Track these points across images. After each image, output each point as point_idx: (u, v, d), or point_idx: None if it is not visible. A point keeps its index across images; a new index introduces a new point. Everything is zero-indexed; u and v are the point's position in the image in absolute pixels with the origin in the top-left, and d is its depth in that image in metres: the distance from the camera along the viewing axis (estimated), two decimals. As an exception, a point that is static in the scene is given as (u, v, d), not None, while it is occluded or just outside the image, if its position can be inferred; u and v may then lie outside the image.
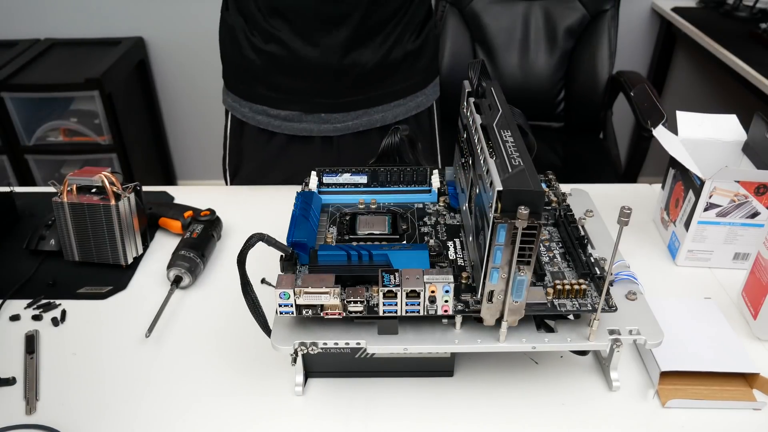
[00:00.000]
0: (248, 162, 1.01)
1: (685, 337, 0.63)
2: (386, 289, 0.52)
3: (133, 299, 0.73)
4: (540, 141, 1.04)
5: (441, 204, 0.70)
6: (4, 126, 1.86)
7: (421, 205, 0.69)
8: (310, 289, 0.53)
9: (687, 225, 0.75)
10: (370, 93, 0.93)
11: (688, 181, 0.75)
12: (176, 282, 0.73)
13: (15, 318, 0.70)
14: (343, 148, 0.96)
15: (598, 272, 0.57)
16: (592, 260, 0.58)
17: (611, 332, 0.55)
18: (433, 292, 0.52)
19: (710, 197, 0.71)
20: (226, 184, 1.08)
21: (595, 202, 0.74)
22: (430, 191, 0.70)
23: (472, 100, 0.64)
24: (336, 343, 0.55)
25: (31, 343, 0.66)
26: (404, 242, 0.60)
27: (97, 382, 0.62)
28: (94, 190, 0.74)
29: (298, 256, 0.58)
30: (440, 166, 0.70)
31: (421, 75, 0.97)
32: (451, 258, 0.61)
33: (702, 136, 0.79)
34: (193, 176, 2.41)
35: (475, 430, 0.57)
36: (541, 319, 0.56)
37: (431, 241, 0.63)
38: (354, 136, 0.95)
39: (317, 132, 0.93)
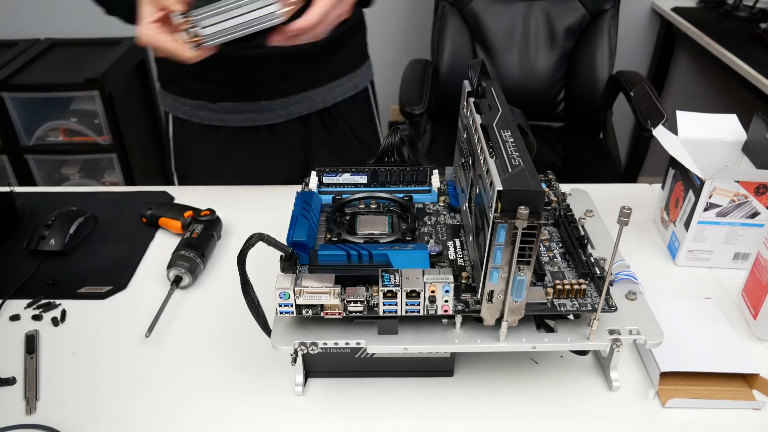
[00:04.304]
0: (197, 162, 1.01)
1: (685, 337, 0.63)
2: (386, 289, 0.52)
3: (133, 299, 0.73)
4: (540, 141, 1.04)
5: (441, 204, 0.70)
6: (4, 126, 1.86)
7: (421, 205, 0.69)
8: (310, 289, 0.53)
9: (687, 225, 0.75)
10: (307, 75, 0.93)
11: (688, 181, 0.75)
12: (176, 282, 0.73)
13: (15, 318, 0.70)
14: (288, 135, 0.97)
15: (598, 272, 0.57)
16: (592, 260, 0.58)
17: (611, 332, 0.55)
18: (433, 292, 0.52)
19: (710, 197, 0.71)
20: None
21: (595, 202, 0.74)
22: (430, 191, 0.70)
23: (472, 100, 0.64)
24: (336, 343, 0.55)
25: (31, 343, 0.66)
26: (408, 239, 0.60)
27: (97, 382, 0.62)
28: None
29: (298, 256, 0.58)
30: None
31: (354, 55, 0.99)
32: (451, 258, 0.61)
33: (702, 136, 0.79)
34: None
35: (475, 430, 0.57)
36: (541, 319, 0.56)
37: (431, 241, 0.63)
38: (298, 121, 0.96)
39: (261, 120, 0.93)
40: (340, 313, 0.54)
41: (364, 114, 1.05)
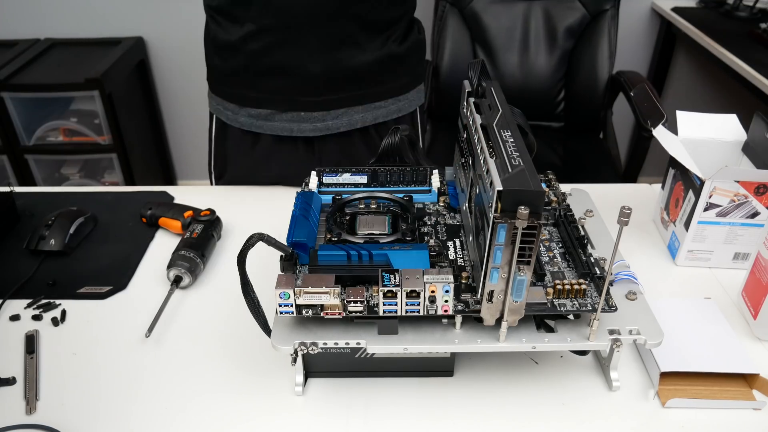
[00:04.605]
0: (233, 166, 1.01)
1: (685, 337, 0.63)
2: (386, 289, 0.52)
3: (133, 299, 0.73)
4: (540, 141, 1.04)
5: (441, 204, 0.70)
6: (4, 126, 1.86)
7: (421, 205, 0.69)
8: (310, 289, 0.53)
9: (687, 225, 0.75)
10: (350, 93, 0.93)
11: (688, 181, 0.75)
12: (176, 282, 0.73)
13: (15, 318, 0.70)
14: (324, 150, 0.96)
15: (598, 272, 0.57)
16: (592, 260, 0.58)
17: (611, 332, 0.55)
18: (433, 292, 0.52)
19: (710, 197, 0.71)
20: (211, 175, 1.09)
21: (595, 202, 0.74)
22: (430, 191, 0.70)
23: (472, 100, 0.64)
24: (336, 343, 0.55)
25: (31, 343, 0.66)
26: (408, 238, 0.61)
27: (97, 382, 0.62)
28: None
29: (298, 256, 0.58)
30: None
31: (405, 79, 0.97)
32: (451, 258, 0.61)
33: (702, 136, 0.79)
34: (193, 176, 2.41)
35: (475, 430, 0.57)
36: (541, 319, 0.56)
37: (431, 241, 0.63)
38: (335, 138, 0.95)
39: (297, 131, 0.93)
40: (340, 313, 0.54)
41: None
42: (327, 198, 0.69)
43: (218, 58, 0.93)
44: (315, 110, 0.91)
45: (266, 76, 0.90)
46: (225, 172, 1.03)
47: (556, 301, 0.55)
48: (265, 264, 0.65)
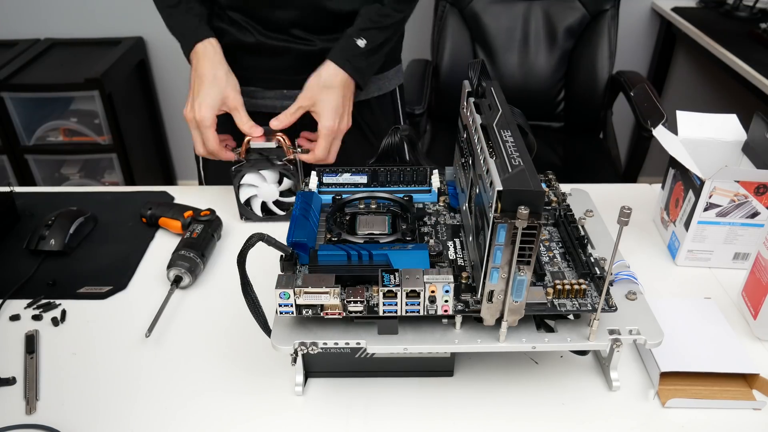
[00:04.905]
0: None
1: (685, 337, 0.63)
2: (386, 288, 0.52)
3: (133, 299, 0.73)
4: (540, 141, 1.04)
5: (441, 204, 0.70)
6: (4, 126, 1.86)
7: (421, 205, 0.69)
8: (310, 289, 0.53)
9: (687, 225, 0.75)
10: None
11: (688, 181, 0.75)
12: (176, 282, 0.73)
13: (15, 318, 0.70)
14: (307, 127, 0.96)
15: (598, 272, 0.57)
16: (592, 260, 0.58)
17: (611, 332, 0.55)
18: (433, 292, 0.52)
19: (710, 197, 0.71)
20: (200, 175, 1.08)
21: (595, 202, 0.74)
22: (430, 191, 0.70)
23: (472, 100, 0.64)
24: (336, 343, 0.55)
25: (31, 343, 0.66)
26: (408, 238, 0.61)
27: (97, 381, 0.62)
28: None
29: (298, 256, 0.58)
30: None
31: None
32: (451, 258, 0.61)
33: (702, 136, 0.79)
34: (193, 176, 2.39)
35: (475, 430, 0.57)
36: (541, 319, 0.56)
37: (431, 241, 0.63)
38: None
39: (281, 108, 0.93)
40: (340, 313, 0.54)
41: (388, 117, 1.05)
42: (327, 198, 0.69)
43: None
44: (297, 88, 0.92)
45: (252, 56, 0.92)
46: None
47: (556, 301, 0.55)
48: (265, 264, 0.65)
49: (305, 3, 0.88)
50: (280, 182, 0.85)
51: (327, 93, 0.84)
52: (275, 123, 0.83)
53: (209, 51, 0.85)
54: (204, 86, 0.82)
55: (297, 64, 0.91)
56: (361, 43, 0.86)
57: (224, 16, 0.91)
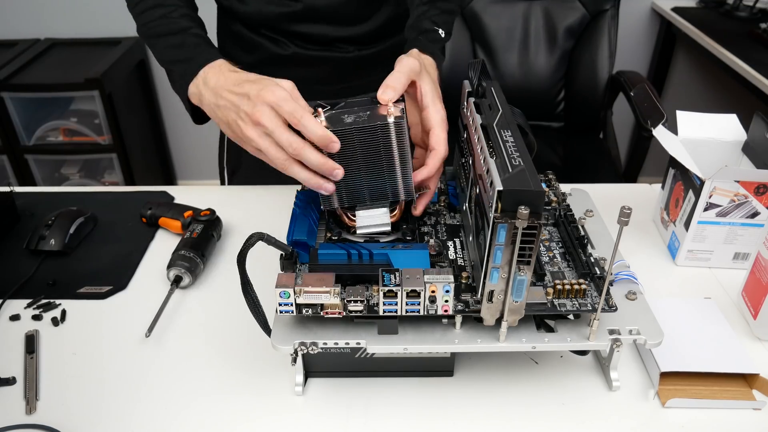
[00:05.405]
0: (247, 160, 1.01)
1: (685, 337, 0.63)
2: (386, 288, 0.52)
3: (133, 299, 0.73)
4: (540, 141, 1.04)
5: (441, 204, 0.70)
6: (4, 126, 1.86)
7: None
8: (310, 288, 0.53)
9: (687, 225, 0.75)
10: (353, 82, 0.93)
11: (688, 181, 0.75)
12: (176, 282, 0.73)
13: (15, 318, 0.70)
14: None
15: (598, 272, 0.57)
16: (592, 260, 0.58)
17: (611, 332, 0.55)
18: (433, 291, 0.52)
19: (710, 197, 0.71)
20: (222, 183, 1.08)
21: (595, 202, 0.74)
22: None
23: (472, 100, 0.64)
24: (336, 343, 0.55)
25: (31, 343, 0.66)
26: (408, 238, 0.60)
27: (97, 382, 0.62)
28: None
29: (299, 254, 0.58)
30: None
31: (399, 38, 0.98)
32: (451, 258, 0.61)
33: (702, 136, 0.79)
34: (193, 176, 2.40)
35: (475, 430, 0.57)
36: (541, 319, 0.56)
37: (431, 241, 0.63)
38: None
39: None
40: (340, 313, 0.54)
41: None
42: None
43: (240, 50, 0.94)
44: (335, 97, 0.91)
45: (283, 67, 0.90)
46: (239, 166, 1.02)
47: (556, 301, 0.55)
48: (265, 263, 0.65)
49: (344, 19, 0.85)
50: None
51: (427, 76, 0.72)
52: (391, 94, 0.63)
53: (227, 64, 0.73)
54: (256, 77, 0.66)
55: (335, 73, 0.90)
56: (441, 33, 0.80)
57: (257, 32, 0.90)
